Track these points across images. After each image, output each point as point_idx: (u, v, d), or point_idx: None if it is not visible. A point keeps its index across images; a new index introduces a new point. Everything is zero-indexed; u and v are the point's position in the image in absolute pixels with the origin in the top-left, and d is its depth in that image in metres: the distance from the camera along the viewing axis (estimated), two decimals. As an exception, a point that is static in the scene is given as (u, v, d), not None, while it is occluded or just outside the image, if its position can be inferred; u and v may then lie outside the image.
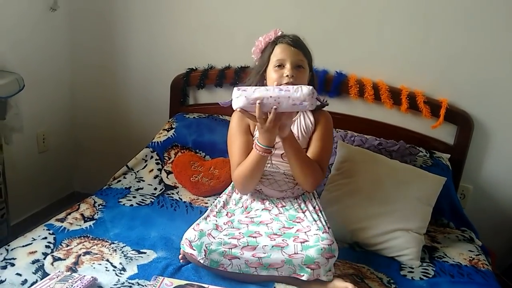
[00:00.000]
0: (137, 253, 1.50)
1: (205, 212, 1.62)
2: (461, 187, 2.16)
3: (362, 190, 1.75)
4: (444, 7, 2.01)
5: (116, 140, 2.61)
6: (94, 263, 1.41)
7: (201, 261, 1.37)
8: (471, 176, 2.15)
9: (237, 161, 1.53)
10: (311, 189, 1.59)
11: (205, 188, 1.96)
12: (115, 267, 1.41)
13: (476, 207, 2.16)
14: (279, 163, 1.57)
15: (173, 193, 1.96)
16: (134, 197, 1.88)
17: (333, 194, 1.78)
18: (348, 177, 1.80)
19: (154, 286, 1.29)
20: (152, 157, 2.09)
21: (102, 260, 1.43)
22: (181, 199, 1.92)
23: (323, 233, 1.39)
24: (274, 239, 1.39)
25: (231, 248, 1.36)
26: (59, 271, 1.34)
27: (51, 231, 1.56)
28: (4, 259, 1.39)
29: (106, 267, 1.40)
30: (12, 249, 1.43)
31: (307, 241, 1.37)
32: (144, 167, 2.06)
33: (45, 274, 1.34)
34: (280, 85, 1.44)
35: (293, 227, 1.45)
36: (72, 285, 1.25)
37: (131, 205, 1.82)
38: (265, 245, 1.37)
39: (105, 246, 1.51)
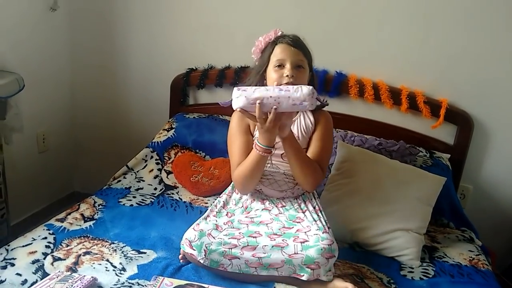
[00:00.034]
0: (137, 253, 1.50)
1: (205, 212, 1.63)
2: (461, 187, 2.16)
3: (362, 190, 1.75)
4: (444, 7, 2.01)
5: (116, 140, 2.61)
6: (94, 263, 1.41)
7: (201, 261, 1.37)
8: (471, 176, 2.15)
9: (237, 161, 1.53)
10: (311, 189, 1.59)
11: (205, 188, 1.96)
12: (115, 267, 1.41)
13: (476, 207, 2.16)
14: (279, 163, 1.57)
15: (173, 193, 1.96)
16: (134, 197, 1.88)
17: (333, 194, 1.78)
18: (348, 177, 1.80)
19: (154, 286, 1.29)
20: (152, 157, 2.09)
21: (102, 260, 1.43)
22: (181, 199, 1.92)
23: (323, 233, 1.39)
24: (274, 239, 1.39)
25: (231, 248, 1.36)
26: (59, 271, 1.34)
27: (51, 231, 1.56)
28: (4, 259, 1.39)
29: (106, 267, 1.40)
30: (12, 249, 1.43)
31: (307, 241, 1.37)
32: (144, 167, 2.06)
33: (45, 274, 1.34)
34: (280, 85, 1.44)
35: (293, 227, 1.45)
36: (72, 285, 1.25)
37: (131, 205, 1.82)
38: (265, 245, 1.37)
39: (105, 246, 1.51)
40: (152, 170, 2.05)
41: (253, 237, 1.40)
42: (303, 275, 1.35)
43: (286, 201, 1.59)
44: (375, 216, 1.69)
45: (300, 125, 1.59)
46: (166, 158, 2.09)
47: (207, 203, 1.90)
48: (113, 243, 1.54)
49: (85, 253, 1.46)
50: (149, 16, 2.37)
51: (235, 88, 1.39)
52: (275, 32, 1.56)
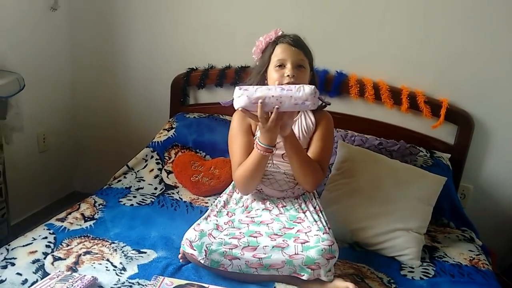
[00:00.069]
0: (137, 252, 1.50)
1: (206, 212, 1.63)
2: (461, 187, 2.16)
3: (362, 190, 1.75)
4: (445, 7, 2.01)
5: (117, 139, 2.61)
6: (94, 263, 1.41)
7: (202, 261, 1.37)
8: (471, 175, 2.15)
9: (238, 162, 1.52)
10: (311, 189, 1.59)
11: (206, 188, 1.96)
12: (115, 266, 1.41)
13: (476, 206, 2.16)
14: (279, 163, 1.57)
15: (173, 193, 1.96)
16: (135, 196, 1.88)
17: (334, 193, 1.78)
18: (349, 177, 1.80)
19: (154, 285, 1.29)
20: (152, 156, 2.09)
21: (103, 259, 1.44)
22: (181, 198, 1.92)
23: (323, 233, 1.39)
24: (275, 240, 1.39)
25: (231, 249, 1.36)
26: (59, 271, 1.35)
27: (51, 231, 1.56)
28: (5, 258, 1.39)
29: (107, 267, 1.40)
30: (12, 249, 1.43)
31: (307, 241, 1.37)
32: (145, 166, 2.06)
33: (45, 274, 1.34)
34: (282, 84, 1.43)
35: (293, 228, 1.45)
36: (72, 285, 1.25)
37: (132, 204, 1.82)
38: (265, 246, 1.37)
39: (105, 246, 1.51)
40: (153, 169, 2.05)
41: (254, 237, 1.40)
42: (304, 275, 1.36)
43: (287, 201, 1.59)
44: (376, 216, 1.69)
45: (301, 125, 1.59)
46: (167, 157, 2.09)
47: (207, 203, 1.90)
48: (114, 242, 1.54)
49: (86, 253, 1.46)
50: (149, 16, 2.37)
51: (237, 88, 1.39)
52: (275, 32, 1.56)
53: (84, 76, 2.56)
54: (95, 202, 1.80)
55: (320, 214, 1.55)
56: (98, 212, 1.73)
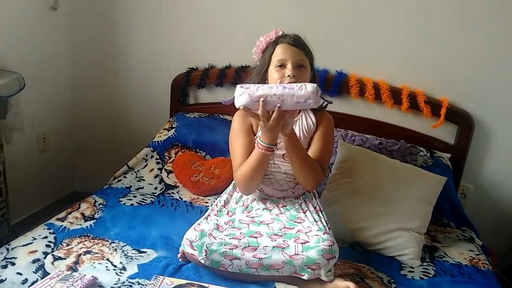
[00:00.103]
0: (137, 252, 1.50)
1: (206, 211, 1.63)
2: (461, 186, 2.16)
3: (362, 190, 1.75)
4: (445, 7, 2.01)
5: (117, 139, 2.61)
6: (94, 262, 1.41)
7: (202, 261, 1.37)
8: (471, 175, 2.15)
9: (240, 162, 1.52)
10: (311, 189, 1.59)
11: (206, 187, 1.96)
12: (115, 266, 1.41)
13: (476, 206, 2.16)
14: (280, 163, 1.57)
15: (173, 193, 1.96)
16: (135, 196, 1.88)
17: (334, 193, 1.78)
18: (349, 177, 1.80)
19: (154, 285, 1.29)
20: (152, 156, 2.09)
21: (103, 259, 1.44)
22: (181, 198, 1.92)
23: (323, 234, 1.39)
24: (275, 240, 1.39)
25: (232, 249, 1.36)
26: (59, 271, 1.35)
27: (51, 231, 1.56)
28: (5, 258, 1.39)
29: (107, 267, 1.40)
30: (12, 249, 1.43)
31: (307, 242, 1.37)
32: (145, 166, 2.06)
33: (45, 274, 1.34)
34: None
35: (293, 228, 1.45)
36: (72, 284, 1.25)
37: (132, 204, 1.82)
38: (266, 246, 1.37)
39: (105, 246, 1.51)
40: (153, 169, 2.05)
41: (254, 238, 1.40)
42: (304, 275, 1.36)
43: (287, 201, 1.59)
44: (376, 215, 1.69)
45: (301, 125, 1.59)
46: (167, 157, 2.09)
47: (207, 202, 1.90)
48: (114, 242, 1.54)
49: (86, 253, 1.46)
50: (149, 16, 2.37)
51: (238, 86, 1.38)
52: (276, 31, 1.55)
53: (84, 76, 2.56)
54: (95, 201, 1.80)
55: (320, 214, 1.55)
56: (98, 211, 1.73)
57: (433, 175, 1.83)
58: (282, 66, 1.49)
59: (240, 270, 1.37)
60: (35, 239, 1.50)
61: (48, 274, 1.33)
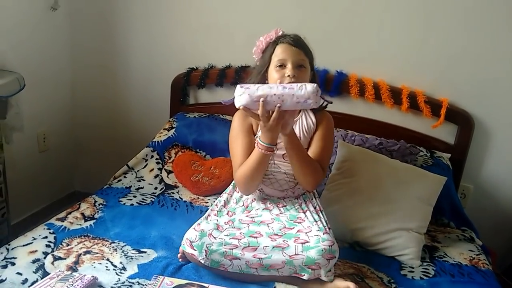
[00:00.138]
0: (137, 252, 1.50)
1: (206, 211, 1.63)
2: (461, 186, 2.16)
3: (362, 190, 1.75)
4: (445, 7, 2.01)
5: (117, 139, 2.61)
6: (94, 263, 1.41)
7: (202, 261, 1.37)
8: (471, 175, 2.15)
9: (240, 162, 1.51)
10: (311, 188, 1.59)
11: (206, 187, 1.96)
12: (115, 266, 1.41)
13: (476, 206, 2.16)
14: (280, 163, 1.57)
15: (173, 193, 1.96)
16: (135, 196, 1.88)
17: (334, 193, 1.78)
18: (349, 177, 1.80)
19: (154, 285, 1.29)
20: (152, 156, 2.09)
21: (103, 259, 1.44)
22: (181, 198, 1.92)
23: (323, 234, 1.39)
24: (275, 240, 1.39)
25: (232, 249, 1.36)
26: (59, 271, 1.35)
27: (51, 231, 1.56)
28: (5, 258, 1.39)
29: (107, 267, 1.40)
30: (12, 249, 1.43)
31: (307, 242, 1.37)
32: (145, 166, 2.06)
33: (45, 274, 1.34)
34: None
35: (293, 228, 1.45)
36: (72, 284, 1.25)
37: (132, 204, 1.82)
38: (266, 246, 1.37)
39: (105, 246, 1.51)
40: (153, 169, 2.05)
41: (254, 238, 1.40)
42: (304, 275, 1.36)
43: (287, 201, 1.59)
44: (376, 215, 1.69)
45: (301, 125, 1.59)
46: (167, 157, 2.09)
47: (207, 202, 1.90)
48: (114, 242, 1.54)
49: (86, 253, 1.46)
50: (149, 16, 2.37)
51: (238, 86, 1.38)
52: (275, 31, 1.55)
53: (84, 76, 2.56)
54: (95, 201, 1.80)
55: (320, 214, 1.55)
56: (98, 211, 1.73)
57: (433, 175, 1.83)
58: (282, 66, 1.49)
59: (240, 270, 1.37)
60: (35, 239, 1.50)
61: (48, 274, 1.33)
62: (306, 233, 1.42)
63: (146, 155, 2.09)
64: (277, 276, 1.38)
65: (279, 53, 1.49)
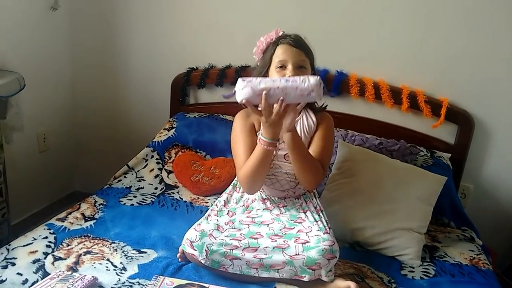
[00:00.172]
0: (137, 252, 1.50)
1: (206, 211, 1.63)
2: (461, 186, 2.16)
3: (362, 190, 1.75)
4: (445, 7, 2.01)
5: (117, 139, 2.61)
6: (94, 263, 1.41)
7: (202, 262, 1.37)
8: (471, 175, 2.15)
9: (242, 161, 1.49)
10: (312, 188, 1.58)
11: (206, 187, 1.96)
12: (115, 266, 1.41)
13: (476, 206, 2.16)
14: (281, 163, 1.56)
15: (173, 193, 1.96)
16: (135, 196, 1.88)
17: (334, 193, 1.78)
18: (349, 177, 1.80)
19: (154, 285, 1.29)
20: (152, 156, 2.09)
21: (103, 259, 1.44)
22: (181, 198, 1.92)
23: (324, 234, 1.39)
24: (275, 240, 1.39)
25: (232, 249, 1.36)
26: (59, 271, 1.35)
27: (51, 231, 1.56)
28: (5, 258, 1.39)
29: (107, 267, 1.40)
30: (12, 249, 1.43)
31: (308, 242, 1.37)
32: (145, 166, 2.06)
33: (45, 274, 1.34)
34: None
35: (294, 228, 1.45)
36: (72, 285, 1.25)
37: (132, 204, 1.82)
38: (266, 247, 1.37)
39: (105, 246, 1.51)
40: (153, 169, 2.05)
41: (254, 238, 1.40)
42: (305, 276, 1.36)
43: (288, 201, 1.59)
44: (376, 215, 1.69)
45: (302, 124, 1.58)
46: (167, 157, 2.09)
47: (207, 202, 1.90)
48: (114, 242, 1.54)
49: (86, 253, 1.46)
50: (149, 16, 2.37)
51: (240, 79, 1.35)
52: (276, 32, 1.54)
53: (84, 76, 2.56)
54: (96, 202, 1.80)
55: (321, 214, 1.55)
56: (98, 212, 1.73)
57: (433, 175, 1.83)
58: (282, 67, 1.48)
59: (241, 271, 1.37)
60: (35, 239, 1.50)
61: (49, 274, 1.33)
62: (306, 233, 1.42)
63: (146, 155, 2.09)
64: (278, 277, 1.38)
65: (280, 54, 1.49)
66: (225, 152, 2.05)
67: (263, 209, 1.56)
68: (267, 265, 1.36)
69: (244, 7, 2.23)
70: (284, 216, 1.52)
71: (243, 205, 1.60)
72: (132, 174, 2.03)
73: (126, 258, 1.46)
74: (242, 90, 1.33)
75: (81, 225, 1.63)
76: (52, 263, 1.39)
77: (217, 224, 1.46)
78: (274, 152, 1.51)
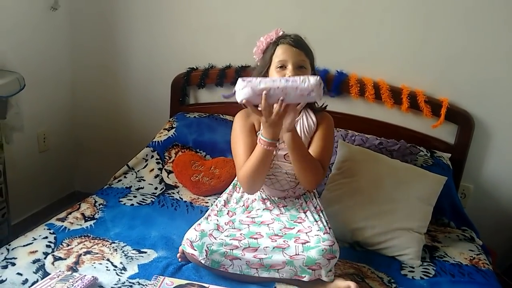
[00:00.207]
0: (137, 252, 1.50)
1: (206, 211, 1.63)
2: (461, 186, 2.16)
3: (362, 190, 1.75)
4: (445, 7, 2.01)
5: (117, 139, 2.61)
6: (94, 263, 1.41)
7: (202, 261, 1.37)
8: (471, 175, 2.15)
9: (242, 162, 1.49)
10: (312, 187, 1.58)
11: (206, 187, 1.96)
12: (115, 266, 1.41)
13: (476, 206, 2.16)
14: (281, 163, 1.56)
15: (173, 193, 1.96)
16: (135, 196, 1.88)
17: (334, 193, 1.78)
18: (349, 177, 1.80)
19: (154, 285, 1.29)
20: (152, 156, 2.09)
21: (103, 259, 1.44)
22: (181, 198, 1.92)
23: (324, 233, 1.39)
24: (275, 240, 1.39)
25: (232, 249, 1.36)
26: (59, 271, 1.35)
27: (51, 231, 1.56)
28: (5, 258, 1.39)
29: (107, 267, 1.40)
30: (12, 249, 1.43)
31: (308, 242, 1.37)
32: (145, 166, 2.06)
33: (45, 274, 1.34)
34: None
35: (294, 228, 1.45)
36: (72, 285, 1.25)
37: (132, 204, 1.82)
38: (266, 247, 1.37)
39: (105, 246, 1.51)
40: (153, 169, 2.05)
41: (254, 238, 1.40)
42: (305, 276, 1.36)
43: (288, 201, 1.59)
44: (376, 215, 1.69)
45: (302, 125, 1.58)
46: (167, 157, 2.09)
47: (207, 202, 1.90)
48: (114, 242, 1.54)
49: (86, 253, 1.46)
50: (149, 16, 2.37)
51: (240, 79, 1.35)
52: (276, 32, 1.54)
53: (84, 76, 2.56)
54: (96, 202, 1.80)
55: (321, 214, 1.55)
56: (98, 212, 1.73)
57: (433, 175, 1.83)
58: (282, 67, 1.48)
59: (241, 271, 1.37)
60: (35, 239, 1.50)
61: (49, 274, 1.33)
62: (306, 233, 1.42)
63: (146, 155, 2.09)
64: (278, 278, 1.38)
65: (280, 54, 1.49)
66: (225, 152, 2.05)
67: (263, 209, 1.56)
68: (267, 265, 1.36)
69: (244, 7, 2.23)
70: (284, 216, 1.52)
71: (243, 205, 1.60)
72: (132, 174, 2.03)
73: (126, 258, 1.46)
74: (242, 90, 1.33)
75: (81, 225, 1.63)
76: (52, 263, 1.39)
77: (217, 224, 1.46)
78: (274, 152, 1.51)
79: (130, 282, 1.34)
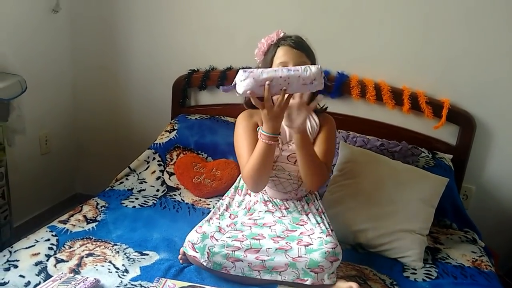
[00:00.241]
0: (139, 254, 1.50)
1: (208, 213, 1.63)
2: (463, 187, 2.15)
3: (364, 191, 1.75)
4: (446, 8, 2.01)
5: (118, 141, 2.61)
6: (97, 265, 1.41)
7: (204, 264, 1.37)
8: (473, 176, 2.15)
9: (246, 161, 1.48)
10: (316, 189, 1.58)
11: (207, 189, 1.96)
12: (117, 268, 1.41)
13: (479, 207, 2.16)
14: (284, 164, 1.56)
15: (175, 195, 1.96)
16: (137, 198, 1.88)
17: (336, 195, 1.78)
18: (351, 178, 1.80)
19: (157, 288, 1.29)
20: (154, 158, 2.09)
21: (105, 261, 1.44)
22: (183, 200, 1.92)
23: (326, 236, 1.39)
24: (278, 242, 1.39)
25: (234, 251, 1.36)
26: (62, 273, 1.35)
27: (54, 233, 1.57)
28: (7, 261, 1.39)
29: (109, 269, 1.40)
30: (15, 251, 1.44)
31: (310, 244, 1.37)
32: (146, 168, 2.06)
33: (48, 276, 1.34)
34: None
35: (296, 230, 1.45)
36: (75, 287, 1.25)
37: (134, 206, 1.82)
38: (268, 248, 1.37)
39: (107, 248, 1.51)
40: (154, 171, 2.05)
41: (257, 240, 1.39)
42: (307, 279, 1.35)
43: (290, 203, 1.59)
44: (378, 217, 1.69)
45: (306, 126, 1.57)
46: (168, 159, 2.09)
47: (209, 204, 1.90)
48: (116, 244, 1.54)
49: (88, 255, 1.46)
50: (150, 18, 2.37)
51: (241, 70, 1.32)
52: (277, 33, 1.54)
53: (86, 78, 2.56)
54: (97, 204, 1.80)
55: (323, 216, 1.55)
56: (100, 214, 1.73)
57: (435, 176, 1.83)
58: (283, 68, 1.48)
59: (243, 273, 1.37)
60: (37, 241, 1.50)
61: (51, 276, 1.33)
62: (309, 235, 1.42)
63: (148, 157, 2.09)
64: (280, 280, 1.37)
65: (281, 55, 1.48)
66: (227, 154, 2.05)
67: (265, 211, 1.56)
68: (269, 267, 1.36)
69: (245, 8, 2.23)
70: (286, 219, 1.52)
71: (245, 207, 1.60)
72: (134, 176, 2.03)
73: (128, 260, 1.46)
74: (244, 81, 1.30)
75: (83, 227, 1.63)
76: (54, 265, 1.40)
77: (218, 226, 1.46)
78: (277, 153, 1.51)
79: (132, 284, 1.34)
